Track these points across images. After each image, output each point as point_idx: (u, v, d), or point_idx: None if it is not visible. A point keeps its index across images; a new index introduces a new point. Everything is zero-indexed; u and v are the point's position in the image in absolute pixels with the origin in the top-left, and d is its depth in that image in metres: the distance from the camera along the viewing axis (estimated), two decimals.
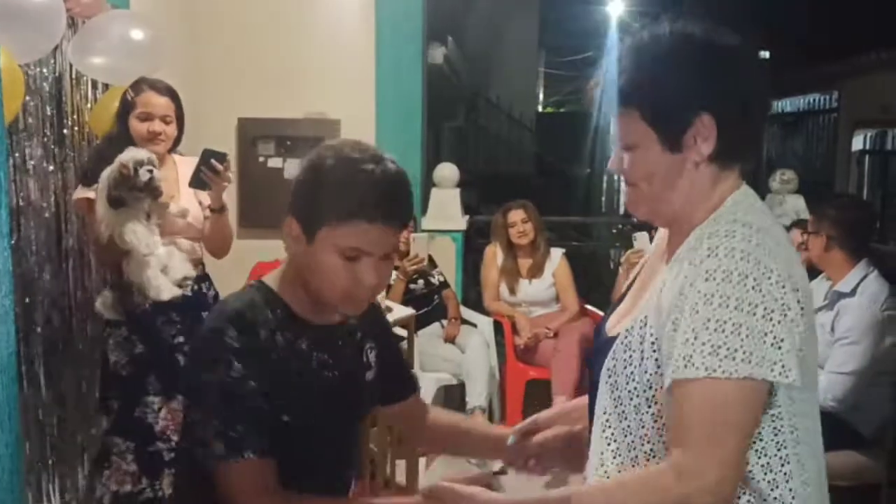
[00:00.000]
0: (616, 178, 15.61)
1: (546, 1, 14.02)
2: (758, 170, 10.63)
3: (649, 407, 1.17)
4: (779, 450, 1.13)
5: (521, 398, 4.23)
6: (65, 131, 2.98)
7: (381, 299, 3.65)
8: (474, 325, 4.48)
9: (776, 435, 1.13)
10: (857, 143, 8.36)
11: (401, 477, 3.19)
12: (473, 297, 4.97)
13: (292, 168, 4.64)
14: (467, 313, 4.60)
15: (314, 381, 1.34)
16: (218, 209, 2.74)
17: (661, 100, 1.16)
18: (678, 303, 1.11)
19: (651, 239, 4.23)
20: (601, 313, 4.44)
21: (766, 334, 1.06)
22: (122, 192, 2.52)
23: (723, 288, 1.07)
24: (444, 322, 4.39)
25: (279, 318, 1.31)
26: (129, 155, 2.54)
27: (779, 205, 5.12)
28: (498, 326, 4.47)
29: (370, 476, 2.93)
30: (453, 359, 4.15)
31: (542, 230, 4.60)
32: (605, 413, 1.23)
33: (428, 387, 3.69)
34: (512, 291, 4.49)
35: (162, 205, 2.65)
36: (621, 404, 1.20)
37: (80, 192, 2.72)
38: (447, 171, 5.09)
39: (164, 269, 2.64)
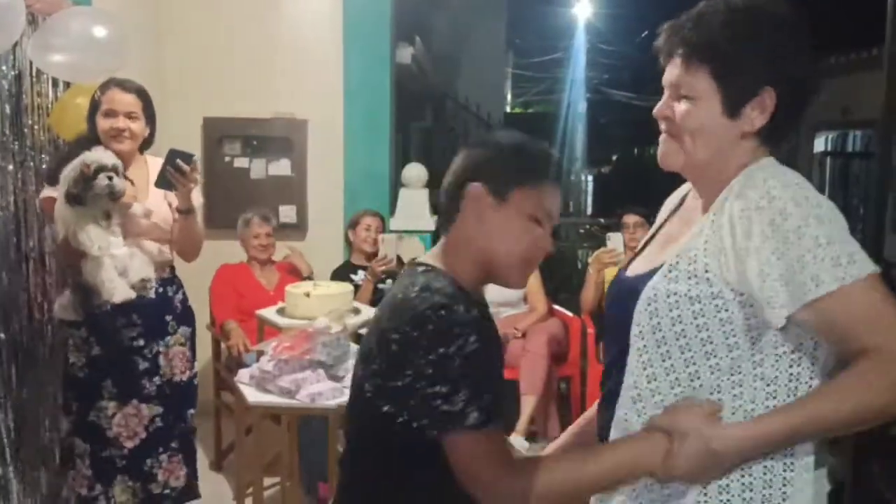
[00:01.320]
0: (583, 178, 15.72)
1: (514, 2, 14.07)
2: None
3: (698, 332, 1.20)
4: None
5: None
6: (24, 130, 2.92)
7: (351, 300, 3.63)
8: None
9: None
10: (819, 144, 8.50)
11: None
12: None
13: (259, 168, 4.61)
14: None
15: (500, 354, 1.40)
16: (185, 210, 2.69)
17: (737, 65, 1.20)
18: (759, 244, 1.14)
19: (624, 242, 4.26)
20: (569, 314, 4.49)
21: (844, 240, 1.13)
22: (81, 190, 2.48)
23: (801, 211, 1.12)
24: None
25: (465, 295, 1.31)
26: (95, 157, 2.50)
27: None
28: None
29: None
30: None
31: None
32: (641, 338, 1.24)
33: None
34: None
35: (124, 205, 2.61)
36: (660, 330, 1.22)
37: (46, 192, 2.67)
38: (415, 172, 5.07)
39: (124, 271, 2.59)
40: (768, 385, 1.20)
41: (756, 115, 1.22)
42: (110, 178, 2.49)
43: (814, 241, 1.11)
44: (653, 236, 1.46)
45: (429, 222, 5.01)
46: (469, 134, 12.07)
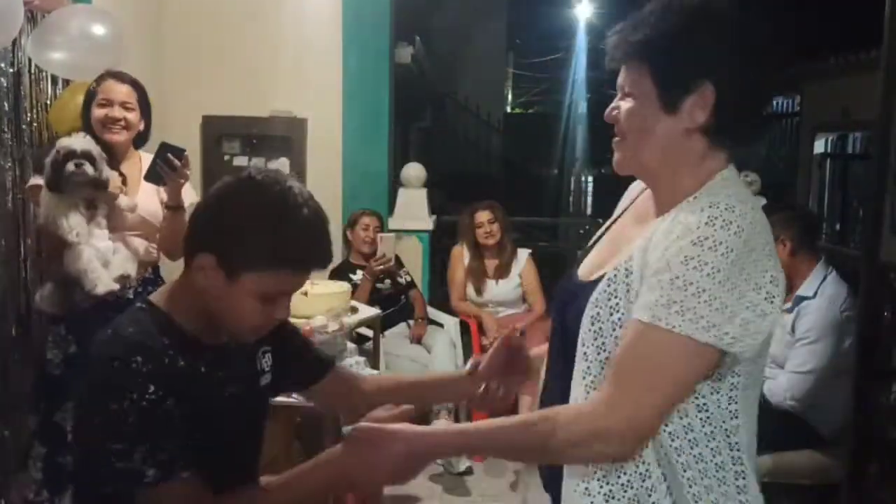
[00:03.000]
0: (584, 179, 15.71)
1: (514, 2, 14.06)
2: None
3: None
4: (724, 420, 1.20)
5: None
6: (24, 127, 2.92)
7: (348, 299, 3.64)
8: (441, 326, 4.47)
9: (718, 407, 1.18)
10: (819, 146, 8.48)
11: None
12: (440, 297, 4.97)
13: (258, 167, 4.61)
14: (434, 313, 4.60)
15: (217, 401, 1.33)
16: (174, 206, 2.61)
17: (670, 60, 1.20)
18: (661, 255, 1.14)
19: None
20: None
21: (726, 306, 1.10)
22: (53, 176, 2.41)
23: (705, 255, 1.10)
24: (411, 322, 4.38)
25: (176, 342, 1.27)
26: (66, 142, 2.44)
27: None
28: (464, 326, 4.47)
29: None
30: (420, 359, 4.14)
31: (509, 231, 4.61)
32: (586, 360, 1.23)
33: None
34: (478, 292, 4.50)
35: (109, 196, 2.54)
36: (605, 350, 1.21)
37: (33, 180, 2.62)
38: (414, 171, 5.08)
39: (105, 265, 2.51)
40: (700, 411, 1.18)
41: (697, 112, 1.20)
42: (78, 165, 2.40)
43: (684, 279, 1.10)
44: (607, 230, 1.43)
45: (427, 222, 5.02)
46: (468, 135, 12.08)
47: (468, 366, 1.55)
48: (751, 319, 1.11)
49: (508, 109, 16.87)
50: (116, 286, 2.51)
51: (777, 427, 2.87)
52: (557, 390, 1.31)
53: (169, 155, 2.52)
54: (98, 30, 2.83)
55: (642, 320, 1.12)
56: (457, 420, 3.94)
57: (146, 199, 2.67)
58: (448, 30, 11.25)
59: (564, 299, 1.35)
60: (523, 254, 4.59)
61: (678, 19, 1.21)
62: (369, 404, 1.58)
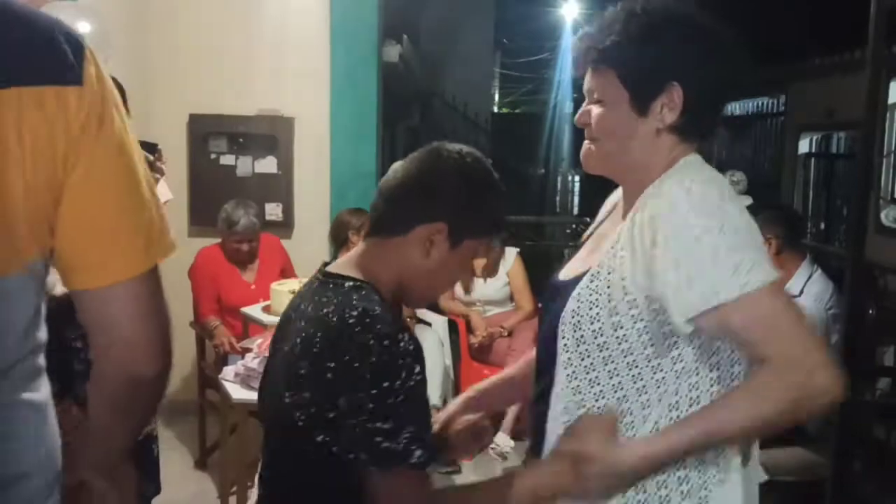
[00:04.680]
0: (570, 178, 15.75)
1: (501, 2, 14.07)
2: None
3: (619, 344, 1.22)
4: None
5: None
6: None
7: None
8: (429, 324, 4.47)
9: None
10: (804, 146, 8.53)
11: None
12: None
13: (245, 166, 4.59)
14: (422, 312, 4.59)
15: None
16: None
17: (638, 65, 1.24)
18: (665, 245, 1.16)
19: None
20: None
21: (759, 245, 1.17)
22: None
23: (710, 219, 1.14)
24: None
25: (394, 313, 1.29)
26: None
27: None
28: (453, 325, 4.47)
29: None
30: None
31: None
32: (566, 351, 1.26)
33: None
34: (467, 290, 4.50)
35: None
36: (583, 342, 1.24)
37: None
38: None
39: None
40: (691, 391, 1.22)
41: (666, 112, 1.25)
42: None
43: (712, 251, 1.13)
44: (589, 236, 1.47)
45: None
46: (456, 134, 12.09)
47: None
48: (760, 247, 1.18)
49: (496, 109, 16.90)
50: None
51: None
52: (544, 384, 1.33)
53: (143, 152, 2.53)
54: (82, 27, 2.81)
55: (729, 300, 1.11)
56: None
57: None
58: (436, 29, 11.24)
59: (548, 298, 1.40)
60: (511, 253, 4.59)
61: (643, 24, 1.24)
62: None
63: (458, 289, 4.50)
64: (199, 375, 4.08)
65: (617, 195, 1.46)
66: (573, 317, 1.25)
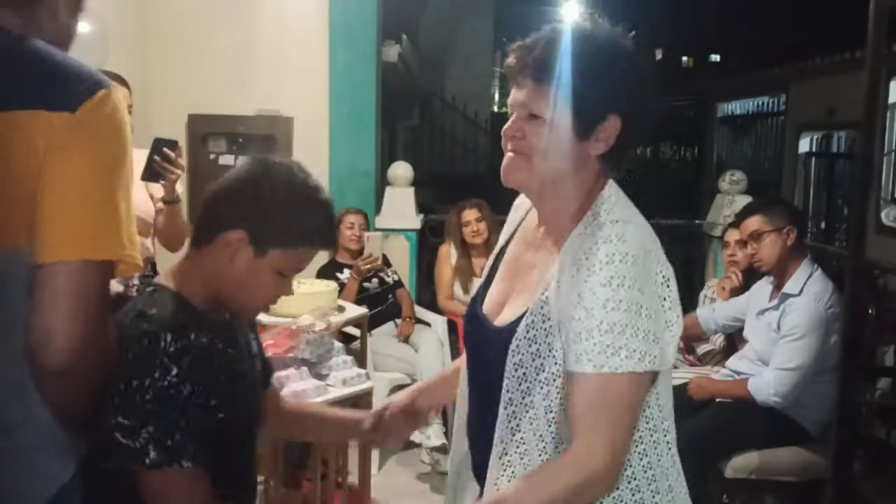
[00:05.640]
0: None
1: (501, 1, 14.07)
2: (708, 170, 10.83)
3: (558, 395, 1.24)
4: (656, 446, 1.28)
5: None
6: None
7: (335, 298, 3.63)
8: (428, 325, 4.47)
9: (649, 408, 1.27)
10: (804, 145, 8.54)
11: (353, 477, 3.17)
12: (427, 296, 4.96)
13: None
14: (421, 312, 4.59)
15: (234, 376, 1.35)
16: (171, 201, 2.65)
17: (588, 90, 1.24)
18: (577, 301, 1.20)
19: None
20: None
21: (649, 332, 1.19)
22: None
23: (617, 293, 1.18)
24: (398, 321, 4.37)
25: (193, 319, 1.30)
26: None
27: (728, 205, 5.20)
28: (452, 325, 4.46)
29: (321, 477, 2.90)
30: (407, 358, 4.13)
31: (496, 229, 4.59)
32: (511, 405, 1.28)
33: (381, 386, 3.67)
34: (466, 290, 4.49)
35: None
36: (530, 394, 1.26)
37: None
38: (401, 170, 5.07)
39: None
40: (647, 422, 1.27)
41: (602, 140, 1.27)
42: None
43: (608, 322, 1.17)
44: (499, 255, 1.47)
45: (415, 221, 5.01)
46: (456, 133, 12.08)
47: (368, 420, 1.60)
48: (666, 333, 1.22)
49: (496, 109, 16.89)
50: (120, 287, 2.52)
51: (762, 424, 2.89)
52: (480, 424, 1.37)
53: (164, 148, 2.53)
54: (82, 28, 2.80)
55: (586, 373, 1.18)
56: (444, 420, 3.94)
57: (137, 197, 2.66)
58: (435, 28, 11.24)
59: (479, 343, 1.41)
60: None
61: (596, 51, 1.25)
62: (281, 425, 1.65)
63: (458, 289, 4.50)
64: None
65: (524, 207, 1.46)
66: (517, 370, 1.27)
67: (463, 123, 12.20)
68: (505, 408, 1.28)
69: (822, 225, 8.48)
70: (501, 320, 1.35)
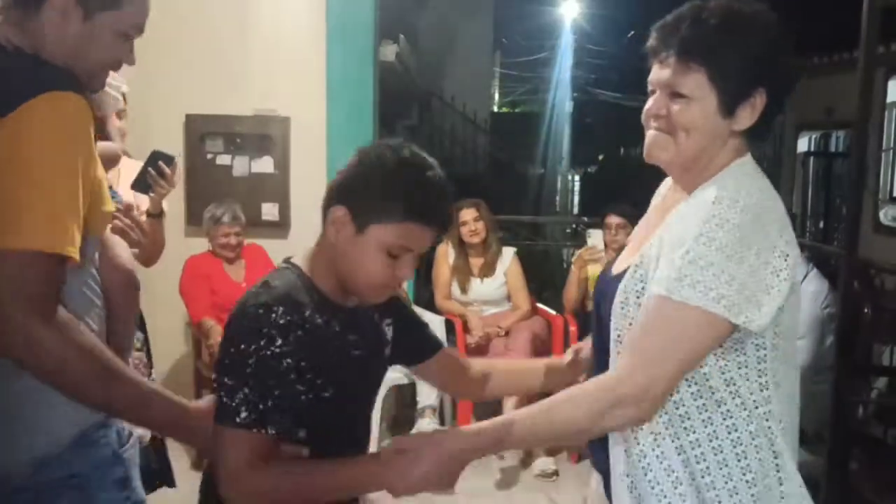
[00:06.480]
0: (570, 178, 15.75)
1: (500, 1, 14.06)
2: None
3: None
4: (751, 393, 1.24)
5: None
6: None
7: None
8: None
9: (747, 380, 1.23)
10: (803, 144, 8.54)
11: None
12: (425, 295, 4.96)
13: (241, 166, 4.59)
14: (419, 312, 4.59)
15: (347, 360, 1.39)
16: (156, 214, 2.59)
17: (733, 67, 1.24)
18: (677, 234, 1.21)
19: (605, 241, 4.29)
20: (553, 312, 4.49)
21: (734, 279, 1.16)
22: None
23: (713, 231, 1.17)
24: None
25: (315, 299, 1.35)
26: None
27: None
28: (449, 325, 4.46)
29: None
30: None
31: (494, 229, 4.61)
32: (620, 343, 1.29)
33: None
34: (463, 290, 4.50)
35: None
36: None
37: None
38: None
39: None
40: (728, 385, 1.24)
41: (747, 115, 1.27)
42: None
43: (694, 253, 1.17)
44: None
45: None
46: (455, 133, 12.08)
47: (567, 355, 1.62)
48: (757, 291, 1.17)
49: (495, 108, 16.89)
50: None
51: None
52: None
53: (160, 163, 2.47)
54: None
55: (658, 294, 1.19)
56: (441, 418, 3.94)
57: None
58: (434, 28, 11.23)
59: (600, 296, 1.42)
60: (508, 252, 4.59)
61: (739, 26, 1.25)
62: (475, 390, 1.70)
63: (455, 288, 4.50)
64: (196, 376, 4.08)
65: (666, 186, 1.47)
66: (622, 308, 1.28)
67: (462, 123, 12.19)
68: (615, 346, 1.30)
69: (821, 224, 8.48)
70: (617, 269, 1.38)
